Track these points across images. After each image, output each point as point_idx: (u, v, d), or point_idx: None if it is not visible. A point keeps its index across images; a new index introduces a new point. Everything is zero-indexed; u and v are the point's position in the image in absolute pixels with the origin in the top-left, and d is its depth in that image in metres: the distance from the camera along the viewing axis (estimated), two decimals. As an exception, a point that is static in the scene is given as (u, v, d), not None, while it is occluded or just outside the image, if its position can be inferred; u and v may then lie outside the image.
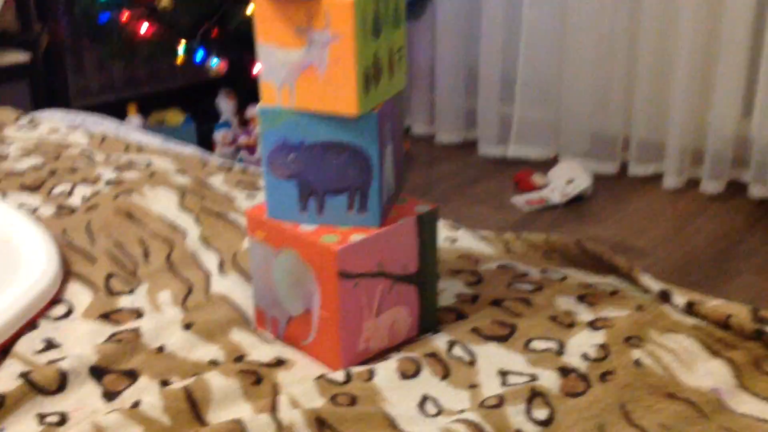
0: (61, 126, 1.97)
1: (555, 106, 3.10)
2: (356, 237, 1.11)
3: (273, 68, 1.33)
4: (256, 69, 2.97)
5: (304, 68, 1.31)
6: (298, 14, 1.34)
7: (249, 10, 2.84)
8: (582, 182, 2.79)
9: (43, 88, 3.03)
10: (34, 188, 1.56)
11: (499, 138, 3.24)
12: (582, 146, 3.04)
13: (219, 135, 3.11)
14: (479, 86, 3.25)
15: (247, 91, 3.16)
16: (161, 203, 1.47)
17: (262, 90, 1.34)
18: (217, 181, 1.60)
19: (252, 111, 3.12)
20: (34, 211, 1.46)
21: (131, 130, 2.07)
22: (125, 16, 2.99)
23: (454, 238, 1.37)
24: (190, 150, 1.89)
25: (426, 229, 1.17)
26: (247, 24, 2.90)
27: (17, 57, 2.94)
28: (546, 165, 3.05)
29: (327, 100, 1.28)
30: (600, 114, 3.00)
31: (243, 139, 3.11)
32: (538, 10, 3.01)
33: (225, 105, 3.18)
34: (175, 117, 3.21)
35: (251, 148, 3.12)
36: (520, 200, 2.80)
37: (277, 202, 1.18)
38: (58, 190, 1.55)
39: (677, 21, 2.76)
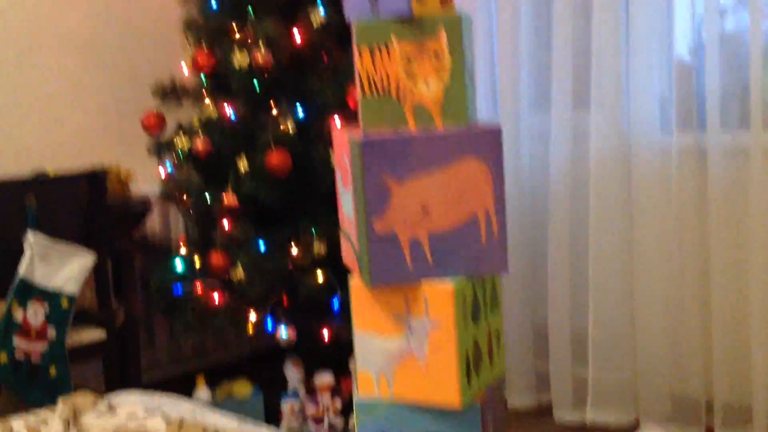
0: (138, 410, 1.95)
1: (630, 366, 3.01)
2: None
3: (370, 357, 1.30)
4: (326, 337, 2.99)
5: (402, 357, 1.28)
6: (397, 302, 1.33)
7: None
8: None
9: (116, 365, 3.05)
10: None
11: (574, 402, 3.13)
12: (663, 409, 2.92)
13: (286, 406, 3.05)
14: (550, 347, 3.19)
15: (314, 359, 3.13)
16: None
17: (359, 380, 1.31)
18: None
19: (320, 380, 3.08)
20: None
21: (207, 410, 2.04)
22: (198, 288, 3.05)
23: None
24: (266, 431, 1.84)
25: None
26: (316, 292, 2.94)
27: (94, 335, 2.98)
28: (628, 433, 2.92)
29: (427, 391, 1.24)
30: (678, 374, 2.91)
31: (311, 410, 3.05)
32: (603, 266, 3.01)
33: (292, 374, 3.15)
34: (243, 388, 3.17)
35: (319, 419, 3.04)
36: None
37: None
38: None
39: (749, 271, 2.73)
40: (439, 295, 1.25)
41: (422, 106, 1.60)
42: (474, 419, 1.20)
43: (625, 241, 3.00)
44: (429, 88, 1.58)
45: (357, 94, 1.66)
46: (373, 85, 1.61)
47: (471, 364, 1.23)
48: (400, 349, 1.24)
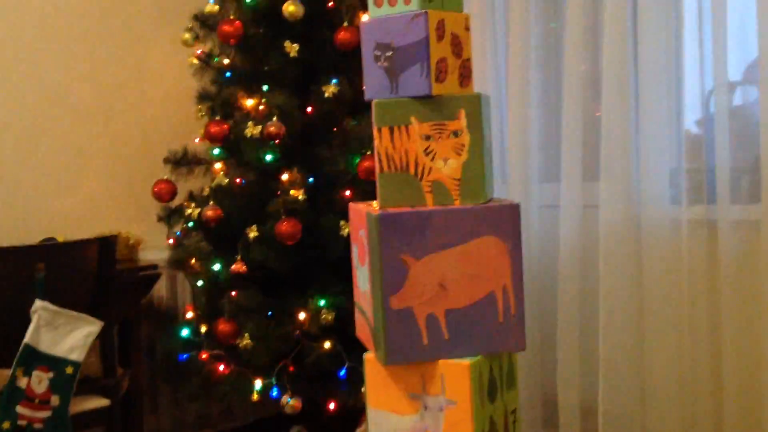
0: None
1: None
2: None
3: (386, 438, 1.28)
4: (332, 407, 2.96)
5: (419, 438, 1.26)
6: (413, 379, 1.32)
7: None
8: None
9: (119, 432, 3.02)
10: None
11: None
12: None
13: (290, 475, 3.03)
14: (559, 420, 3.16)
15: (319, 427, 3.10)
16: None
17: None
18: None
19: (326, 450, 3.05)
20: None
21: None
22: (204, 356, 3.04)
23: None
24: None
25: None
26: (324, 361, 2.92)
27: (97, 402, 2.95)
28: None
29: (445, 476, 1.22)
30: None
31: (316, 480, 3.02)
32: (613, 338, 2.99)
33: (297, 442, 3.12)
34: (247, 456, 3.15)
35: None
36: None
37: None
38: None
39: (760, 344, 2.71)
40: (456, 372, 1.24)
41: (440, 182, 1.60)
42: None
43: (635, 313, 2.99)
44: (447, 165, 1.59)
45: (375, 170, 1.67)
46: (391, 161, 1.62)
47: (489, 445, 1.21)
48: (415, 427, 1.23)
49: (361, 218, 1.64)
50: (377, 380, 1.31)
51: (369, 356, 1.47)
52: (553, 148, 3.25)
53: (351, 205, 1.79)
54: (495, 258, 1.55)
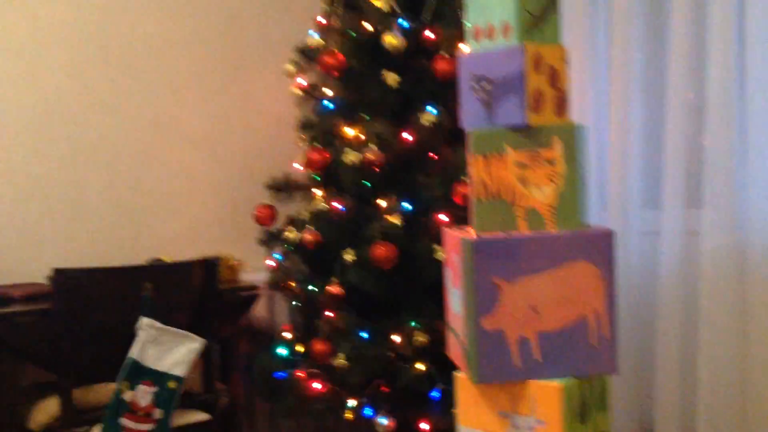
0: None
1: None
2: None
3: (477, 454, 1.32)
4: (425, 427, 2.99)
5: (510, 455, 1.30)
6: (503, 399, 1.36)
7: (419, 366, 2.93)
8: None
9: (219, 449, 3.11)
10: None
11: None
12: None
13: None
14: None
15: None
16: None
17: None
18: None
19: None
20: None
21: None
22: (300, 374, 3.11)
23: None
24: None
25: None
26: (417, 382, 2.96)
27: (198, 416, 3.06)
28: None
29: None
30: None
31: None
32: (715, 366, 2.93)
33: (390, 463, 3.15)
34: (340, 474, 3.19)
35: None
36: None
37: None
38: None
39: None
40: (547, 393, 1.27)
41: (535, 210, 1.64)
42: None
43: (737, 343, 2.92)
44: (542, 194, 1.63)
45: (470, 198, 1.71)
46: (486, 189, 1.67)
47: (579, 466, 1.23)
48: (506, 448, 1.26)
49: (455, 243, 1.68)
50: (468, 399, 1.35)
51: (460, 375, 1.52)
52: (653, 176, 3.23)
53: (446, 230, 1.85)
54: (588, 283, 1.58)
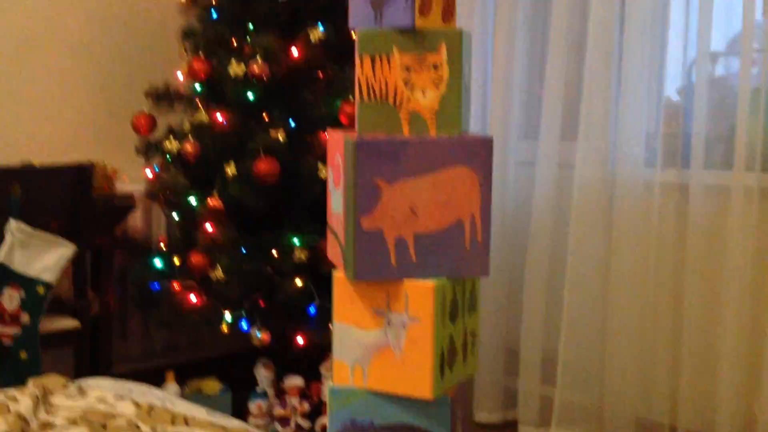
0: (108, 395, 1.96)
1: (598, 390, 3.07)
2: None
3: (347, 348, 1.33)
4: (300, 342, 3.01)
5: (379, 349, 1.32)
6: (378, 297, 1.37)
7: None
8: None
9: (87, 354, 3.06)
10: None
11: (540, 420, 3.18)
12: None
13: (254, 405, 3.11)
14: (520, 365, 3.24)
15: (285, 362, 3.16)
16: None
17: (335, 369, 1.34)
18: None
19: (289, 382, 3.11)
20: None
21: (178, 400, 2.05)
22: (176, 286, 3.07)
23: None
24: (236, 423, 1.85)
25: None
26: (294, 298, 2.96)
27: (67, 323, 3.00)
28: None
29: (401, 383, 1.28)
30: (644, 399, 2.95)
31: (278, 411, 3.09)
32: (579, 290, 3.06)
33: (262, 375, 3.18)
34: (211, 386, 3.20)
35: (285, 420, 3.07)
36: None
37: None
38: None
39: (721, 306, 2.79)
40: (420, 292, 1.28)
41: (417, 113, 1.64)
42: (444, 411, 1.24)
43: (602, 267, 3.06)
44: (425, 97, 1.62)
45: (355, 99, 1.70)
46: (371, 91, 1.65)
47: (445, 359, 1.26)
48: (377, 341, 1.28)
49: (338, 143, 1.67)
50: (343, 296, 1.36)
51: (338, 274, 1.52)
52: (534, 107, 3.30)
53: (329, 130, 1.83)
54: (465, 187, 1.60)
